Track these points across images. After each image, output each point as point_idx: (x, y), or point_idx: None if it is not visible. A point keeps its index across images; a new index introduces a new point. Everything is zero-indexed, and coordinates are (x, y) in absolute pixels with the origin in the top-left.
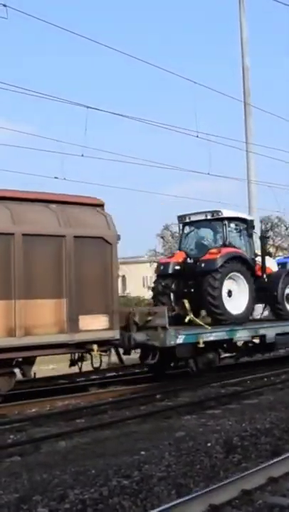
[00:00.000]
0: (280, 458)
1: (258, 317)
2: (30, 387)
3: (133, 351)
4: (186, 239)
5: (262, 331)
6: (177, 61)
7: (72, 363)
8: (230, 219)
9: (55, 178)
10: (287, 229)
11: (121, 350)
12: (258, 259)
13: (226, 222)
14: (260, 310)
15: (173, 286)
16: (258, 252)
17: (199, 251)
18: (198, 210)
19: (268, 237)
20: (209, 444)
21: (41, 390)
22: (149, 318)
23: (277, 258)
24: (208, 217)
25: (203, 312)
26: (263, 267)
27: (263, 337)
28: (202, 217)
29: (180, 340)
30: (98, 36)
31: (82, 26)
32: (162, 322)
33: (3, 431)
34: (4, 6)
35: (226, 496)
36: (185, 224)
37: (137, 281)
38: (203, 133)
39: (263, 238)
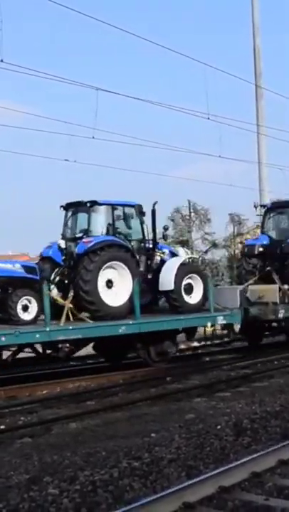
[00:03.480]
0: None
1: None
2: (41, 369)
3: None
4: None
5: None
6: (188, 43)
7: None
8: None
9: (66, 160)
10: None
11: None
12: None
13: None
14: None
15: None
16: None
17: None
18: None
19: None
20: (219, 427)
21: (52, 372)
22: None
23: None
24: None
25: None
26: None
27: None
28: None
29: None
30: (109, 18)
31: (92, 8)
32: None
33: (14, 413)
34: None
35: (236, 478)
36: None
37: None
38: (214, 115)
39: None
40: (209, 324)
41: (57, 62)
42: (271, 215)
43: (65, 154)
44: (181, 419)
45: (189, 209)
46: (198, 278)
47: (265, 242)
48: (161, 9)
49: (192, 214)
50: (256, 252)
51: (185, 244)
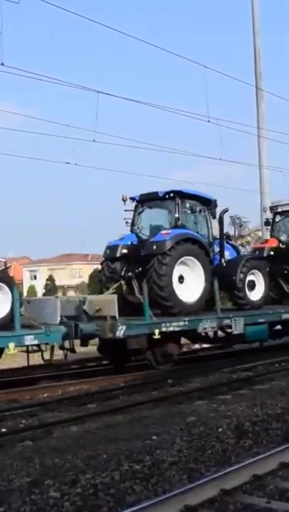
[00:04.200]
0: None
1: None
2: (42, 373)
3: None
4: None
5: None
6: (188, 44)
7: None
8: None
9: (67, 163)
10: None
11: None
12: None
13: None
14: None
15: None
16: None
17: None
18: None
19: None
20: (220, 429)
21: (53, 375)
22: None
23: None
24: None
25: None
26: None
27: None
28: None
29: None
30: (109, 18)
31: (92, 8)
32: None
33: (15, 416)
34: None
35: (238, 480)
36: None
37: None
38: (214, 118)
39: None
40: (11, 346)
41: (57, 64)
42: (141, 209)
43: (66, 157)
44: (182, 421)
45: None
46: (6, 287)
47: (130, 243)
48: (162, 10)
49: None
50: (118, 255)
51: None
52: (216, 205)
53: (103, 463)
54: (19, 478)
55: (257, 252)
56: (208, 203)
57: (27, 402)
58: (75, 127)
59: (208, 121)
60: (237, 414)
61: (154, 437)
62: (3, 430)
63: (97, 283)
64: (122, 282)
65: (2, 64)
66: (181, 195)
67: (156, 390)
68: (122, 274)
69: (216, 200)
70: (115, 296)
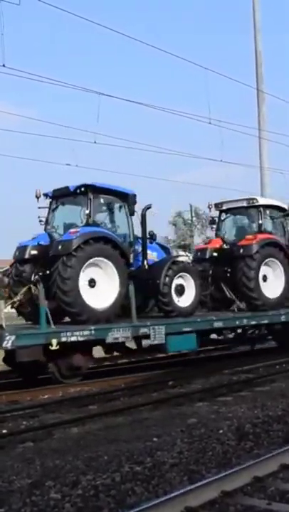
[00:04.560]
0: None
1: None
2: (42, 374)
3: None
4: None
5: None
6: (188, 46)
7: None
8: None
9: (67, 164)
10: None
11: None
12: None
13: None
14: None
15: None
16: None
17: None
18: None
19: None
20: (221, 431)
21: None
22: None
23: None
24: None
25: None
26: None
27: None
28: None
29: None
30: (110, 19)
31: (93, 8)
32: None
33: (16, 417)
34: None
35: (238, 482)
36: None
37: None
38: (215, 119)
39: None
40: None
41: (58, 65)
42: (54, 206)
43: (67, 158)
44: (183, 423)
45: (191, 213)
46: None
47: (42, 243)
48: (162, 10)
49: (194, 218)
50: (27, 256)
51: (187, 248)
52: (134, 201)
53: (104, 464)
54: (20, 480)
55: (199, 254)
56: (126, 199)
57: (28, 403)
58: (74, 128)
59: (209, 122)
60: (238, 415)
61: (154, 439)
62: (4, 431)
63: (5, 287)
64: (32, 286)
65: (3, 65)
66: (94, 190)
67: (156, 392)
68: (32, 277)
69: (134, 195)
70: (1, 303)
